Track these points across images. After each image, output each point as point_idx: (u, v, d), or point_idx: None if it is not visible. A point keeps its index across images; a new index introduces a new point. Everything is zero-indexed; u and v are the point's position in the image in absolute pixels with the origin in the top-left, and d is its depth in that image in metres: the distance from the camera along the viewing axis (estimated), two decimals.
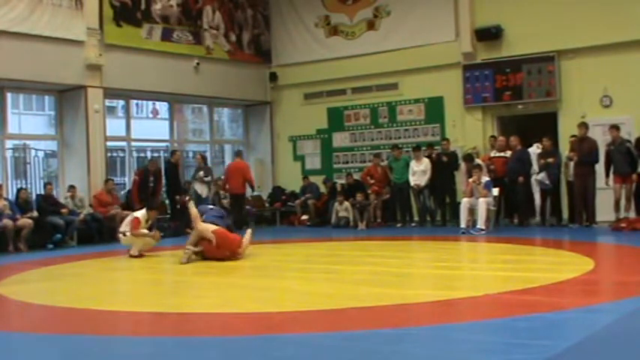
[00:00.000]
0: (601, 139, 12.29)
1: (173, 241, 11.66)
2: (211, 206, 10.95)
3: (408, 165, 14.09)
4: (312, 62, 16.57)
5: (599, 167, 12.05)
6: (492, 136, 13.94)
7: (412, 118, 15.53)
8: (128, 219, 10.33)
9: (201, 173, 14.66)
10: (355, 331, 4.82)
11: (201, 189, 14.54)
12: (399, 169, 14.25)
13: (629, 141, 11.93)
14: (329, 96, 16.55)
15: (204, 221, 9.51)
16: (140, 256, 9.96)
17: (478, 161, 12.83)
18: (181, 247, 9.54)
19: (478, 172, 12.24)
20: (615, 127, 11.92)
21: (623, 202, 11.77)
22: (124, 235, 10.18)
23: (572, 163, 12.24)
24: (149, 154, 16.17)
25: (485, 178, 12.22)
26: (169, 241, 11.84)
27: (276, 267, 8.72)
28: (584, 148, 12.03)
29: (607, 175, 11.93)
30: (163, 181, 13.96)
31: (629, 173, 11.71)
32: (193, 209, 9.74)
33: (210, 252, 9.17)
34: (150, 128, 16.76)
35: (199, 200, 13.45)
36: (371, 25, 15.95)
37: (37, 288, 7.67)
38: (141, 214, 10.34)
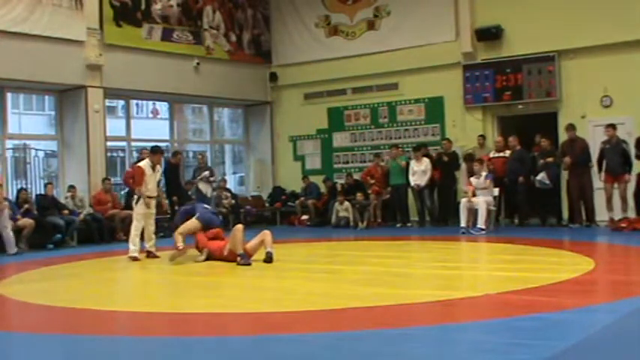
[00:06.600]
0: (601, 139, 12.27)
1: (172, 242, 11.62)
2: (190, 205, 10.62)
3: (406, 165, 14.06)
4: (312, 62, 16.56)
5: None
6: (481, 136, 14.00)
7: (412, 118, 15.52)
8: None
9: (207, 173, 14.75)
10: (355, 331, 4.82)
11: (206, 188, 14.66)
12: (395, 171, 14.23)
13: (625, 142, 11.91)
14: (329, 96, 16.54)
15: (199, 218, 9.50)
16: (135, 259, 9.84)
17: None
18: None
19: (479, 165, 12.25)
20: (612, 126, 11.92)
21: (619, 202, 11.74)
22: None
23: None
24: None
25: (484, 173, 12.24)
26: (169, 242, 11.80)
27: (276, 267, 8.71)
28: (577, 148, 12.09)
29: (600, 171, 11.93)
30: (163, 180, 13.94)
31: (622, 174, 11.67)
32: (239, 234, 8.87)
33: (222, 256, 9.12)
34: (150, 128, 16.71)
35: (203, 199, 13.56)
36: (371, 25, 15.94)
37: (37, 288, 7.66)
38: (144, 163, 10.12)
